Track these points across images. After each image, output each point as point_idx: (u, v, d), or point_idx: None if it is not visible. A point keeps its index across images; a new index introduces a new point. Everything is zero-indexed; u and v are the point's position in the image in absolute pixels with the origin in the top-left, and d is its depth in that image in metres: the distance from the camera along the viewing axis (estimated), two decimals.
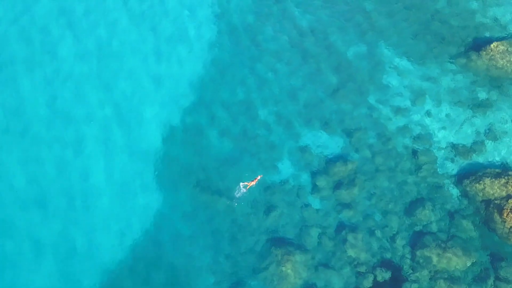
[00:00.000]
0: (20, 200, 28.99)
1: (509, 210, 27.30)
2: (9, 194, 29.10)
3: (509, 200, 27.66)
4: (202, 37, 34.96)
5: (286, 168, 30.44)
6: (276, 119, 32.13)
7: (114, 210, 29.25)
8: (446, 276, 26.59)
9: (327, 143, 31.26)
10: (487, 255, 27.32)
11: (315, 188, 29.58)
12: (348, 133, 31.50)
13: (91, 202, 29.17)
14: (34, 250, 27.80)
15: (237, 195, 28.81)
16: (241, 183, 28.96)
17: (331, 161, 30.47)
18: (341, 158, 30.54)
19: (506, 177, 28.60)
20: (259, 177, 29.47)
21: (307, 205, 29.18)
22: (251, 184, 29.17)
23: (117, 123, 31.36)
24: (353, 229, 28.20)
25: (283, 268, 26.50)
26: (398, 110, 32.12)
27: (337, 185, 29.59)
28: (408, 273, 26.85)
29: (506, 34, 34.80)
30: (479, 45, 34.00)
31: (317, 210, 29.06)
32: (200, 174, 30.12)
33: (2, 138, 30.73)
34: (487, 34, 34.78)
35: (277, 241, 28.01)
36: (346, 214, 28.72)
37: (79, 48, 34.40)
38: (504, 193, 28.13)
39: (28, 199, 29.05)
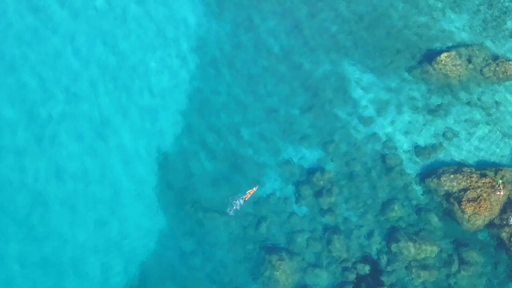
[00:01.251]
0: None
1: (466, 201, 31.21)
2: None
3: (466, 192, 31.58)
4: (186, 68, 37.90)
5: (271, 181, 33.71)
6: (259, 138, 35.37)
7: (123, 233, 31.96)
8: (418, 264, 30.30)
9: (306, 155, 34.66)
10: (451, 242, 31.17)
11: (299, 197, 32.94)
12: (324, 145, 34.96)
13: (102, 228, 31.84)
14: None
15: (235, 208, 31.90)
16: (240, 199, 32.07)
17: (311, 172, 33.88)
18: (319, 168, 33.98)
19: (462, 173, 32.55)
20: (255, 188, 32.67)
21: (293, 213, 32.53)
22: (249, 196, 32.34)
23: (117, 155, 34.08)
24: (335, 230, 31.67)
25: (277, 272, 29.75)
26: (365, 121, 35.76)
27: (318, 193, 33.00)
28: (385, 265, 30.46)
29: (453, 44, 38.91)
30: (430, 56, 37.97)
31: (303, 217, 32.43)
32: (194, 194, 33.09)
33: None
34: (437, 45, 38.80)
35: (270, 248, 31.25)
36: (328, 218, 32.17)
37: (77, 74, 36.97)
38: (461, 187, 32.05)
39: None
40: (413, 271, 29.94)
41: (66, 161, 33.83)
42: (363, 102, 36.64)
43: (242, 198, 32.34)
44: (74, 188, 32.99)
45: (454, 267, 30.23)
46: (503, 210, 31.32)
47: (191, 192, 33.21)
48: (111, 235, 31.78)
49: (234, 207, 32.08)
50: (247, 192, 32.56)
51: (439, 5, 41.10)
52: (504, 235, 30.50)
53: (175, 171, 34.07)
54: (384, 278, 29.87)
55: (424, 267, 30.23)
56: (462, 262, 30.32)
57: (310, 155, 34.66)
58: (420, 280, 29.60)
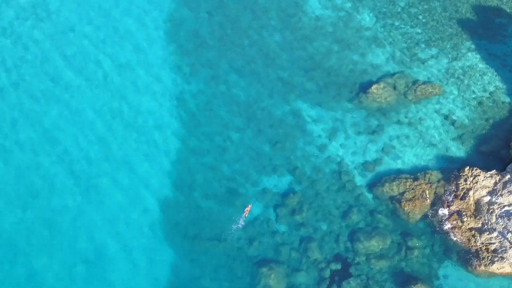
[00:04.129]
0: None
1: (405, 201, 39.38)
2: None
3: (404, 194, 39.78)
4: (172, 123, 44.68)
5: (255, 208, 40.86)
6: (239, 173, 42.53)
7: (138, 271, 38.27)
8: (376, 256, 38.09)
9: (278, 183, 42.06)
10: (399, 234, 39.17)
11: (278, 218, 40.25)
12: (291, 172, 42.45)
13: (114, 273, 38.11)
14: None
15: (240, 225, 39.06)
16: (241, 218, 39.22)
17: (284, 195, 41.27)
18: (291, 191, 41.42)
19: (399, 179, 40.77)
20: (250, 206, 39.73)
21: (275, 231, 39.80)
22: (247, 212, 39.36)
23: (126, 204, 40.49)
24: (310, 239, 39.14)
25: (269, 280, 36.87)
26: (321, 147, 43.55)
27: (292, 211, 40.40)
28: (352, 260, 38.12)
29: (380, 74, 47.38)
30: (364, 87, 46.28)
31: (283, 233, 39.75)
32: (195, 228, 39.83)
33: None
34: (368, 78, 47.18)
35: (261, 261, 38.35)
36: (303, 230, 39.61)
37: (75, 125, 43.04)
38: (400, 190, 40.23)
39: None
40: (372, 261, 37.75)
41: None
42: (317, 132, 44.46)
43: (242, 216, 39.48)
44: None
45: (403, 253, 38.23)
46: (433, 204, 39.70)
47: (191, 226, 39.88)
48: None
49: (239, 224, 39.18)
50: (245, 210, 39.72)
51: (365, 43, 49.64)
52: (435, 223, 38.84)
53: (178, 210, 40.65)
54: (352, 270, 37.50)
55: (381, 256, 38.09)
56: (408, 248, 38.35)
57: (282, 182, 42.08)
58: (378, 268, 37.42)
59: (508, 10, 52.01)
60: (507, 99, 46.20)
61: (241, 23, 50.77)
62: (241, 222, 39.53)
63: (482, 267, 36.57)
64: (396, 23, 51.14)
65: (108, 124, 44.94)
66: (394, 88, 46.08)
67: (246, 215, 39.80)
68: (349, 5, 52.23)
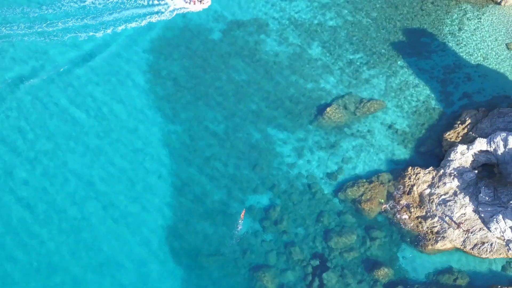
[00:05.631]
0: None
1: (364, 202, 47.73)
2: None
3: (362, 196, 48.13)
4: (164, 162, 51.51)
5: (244, 223, 48.22)
6: (227, 196, 49.78)
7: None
8: (347, 249, 46.16)
9: (260, 199, 49.59)
10: (363, 229, 47.42)
11: (264, 229, 47.74)
12: (270, 189, 50.08)
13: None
14: None
15: (239, 228, 46.71)
16: (238, 224, 46.80)
17: (267, 209, 48.83)
18: (272, 205, 49.05)
19: (358, 184, 49.13)
20: (244, 211, 47.06)
21: (263, 240, 47.25)
22: (242, 217, 46.80)
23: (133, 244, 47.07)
24: (292, 243, 46.81)
25: (264, 282, 44.27)
26: (291, 166, 51.42)
27: (275, 222, 47.98)
28: (328, 256, 46.05)
29: (332, 97, 55.83)
30: (321, 110, 54.57)
31: (270, 241, 47.24)
32: (196, 248, 46.73)
33: None
34: (323, 101, 55.55)
35: (255, 267, 45.71)
36: (286, 237, 47.24)
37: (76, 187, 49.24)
38: (359, 193, 48.56)
39: None
40: (345, 254, 45.82)
41: None
42: (287, 153, 52.38)
43: (239, 221, 46.98)
44: None
45: (368, 244, 46.50)
46: (387, 201, 48.25)
47: (193, 251, 46.67)
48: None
49: (239, 228, 46.70)
50: (241, 215, 47.02)
51: (317, 72, 58.09)
52: (390, 216, 47.38)
53: (181, 238, 47.44)
54: (329, 264, 45.43)
55: (351, 249, 46.22)
56: (371, 239, 46.67)
57: (263, 199, 49.65)
58: (350, 258, 45.50)
59: (430, 30, 61.78)
60: (437, 106, 55.62)
61: (211, 67, 58.27)
62: (240, 226, 46.96)
63: (430, 246, 45.30)
64: (341, 51, 59.91)
65: (111, 164, 51.36)
66: (345, 108, 54.64)
67: (242, 218, 47.20)
68: (299, 40, 60.64)
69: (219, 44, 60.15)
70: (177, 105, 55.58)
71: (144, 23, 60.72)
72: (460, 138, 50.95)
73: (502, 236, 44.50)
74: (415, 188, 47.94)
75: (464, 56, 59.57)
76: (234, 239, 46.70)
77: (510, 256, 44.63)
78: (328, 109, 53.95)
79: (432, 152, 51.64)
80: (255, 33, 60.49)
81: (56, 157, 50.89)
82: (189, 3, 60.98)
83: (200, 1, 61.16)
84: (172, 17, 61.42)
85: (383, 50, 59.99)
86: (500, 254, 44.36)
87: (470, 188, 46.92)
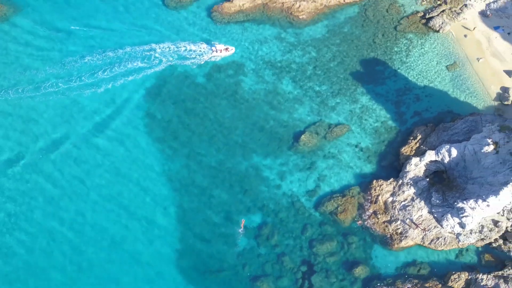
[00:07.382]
0: None
1: (339, 213, 56.31)
2: None
3: (337, 208, 56.74)
4: (167, 195, 58.97)
5: (241, 241, 56.02)
6: (224, 218, 57.53)
7: None
8: (329, 254, 54.57)
9: (253, 219, 57.55)
10: (341, 235, 55.96)
11: (258, 244, 55.67)
12: (260, 209, 58.14)
13: None
14: None
15: (241, 235, 54.26)
16: (240, 230, 54.55)
17: (259, 227, 56.82)
18: (263, 223, 57.05)
19: (333, 198, 57.74)
20: (243, 221, 54.75)
21: (259, 254, 55.17)
22: (242, 226, 54.42)
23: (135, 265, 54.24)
24: (283, 254, 54.90)
25: None
26: (276, 187, 59.67)
27: (267, 238, 56.02)
28: (314, 261, 54.30)
29: (306, 125, 64.46)
30: (297, 137, 63.15)
31: (264, 254, 55.20)
32: (202, 266, 54.26)
33: None
34: (298, 129, 64.16)
35: (254, 278, 53.49)
36: (277, 249, 55.29)
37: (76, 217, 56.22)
38: (335, 205, 57.16)
39: None
40: (327, 258, 54.20)
41: None
42: (272, 177, 60.63)
43: (240, 230, 54.47)
44: None
45: (346, 248, 55.02)
46: (358, 210, 57.00)
47: (201, 265, 54.27)
48: None
49: (240, 235, 54.19)
50: (241, 225, 54.60)
51: (290, 104, 66.77)
52: (360, 222, 56.13)
53: (184, 259, 54.91)
54: (315, 268, 53.70)
55: (332, 254, 54.65)
56: (348, 244, 55.23)
57: (256, 218, 57.64)
58: (332, 262, 53.90)
59: (382, 59, 71.46)
60: (393, 124, 65.00)
61: (200, 107, 66.20)
62: (241, 233, 54.71)
63: (396, 245, 54.18)
64: (309, 84, 68.85)
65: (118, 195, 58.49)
66: (317, 134, 63.43)
67: (242, 228, 54.98)
68: (274, 77, 69.31)
69: (205, 87, 68.16)
70: (174, 144, 63.11)
71: (140, 76, 68.57)
72: (414, 151, 60.34)
73: (452, 231, 53.78)
74: (380, 197, 56.88)
75: (413, 80, 69.31)
76: (236, 245, 54.53)
77: (461, 247, 53.98)
78: (302, 136, 62.59)
79: (392, 165, 60.84)
80: (234, 74, 68.88)
81: None
82: (217, 52, 69.12)
83: (226, 49, 69.44)
84: (163, 68, 69.17)
85: (345, 80, 69.25)
86: (452, 245, 53.61)
87: (424, 193, 56.19)
